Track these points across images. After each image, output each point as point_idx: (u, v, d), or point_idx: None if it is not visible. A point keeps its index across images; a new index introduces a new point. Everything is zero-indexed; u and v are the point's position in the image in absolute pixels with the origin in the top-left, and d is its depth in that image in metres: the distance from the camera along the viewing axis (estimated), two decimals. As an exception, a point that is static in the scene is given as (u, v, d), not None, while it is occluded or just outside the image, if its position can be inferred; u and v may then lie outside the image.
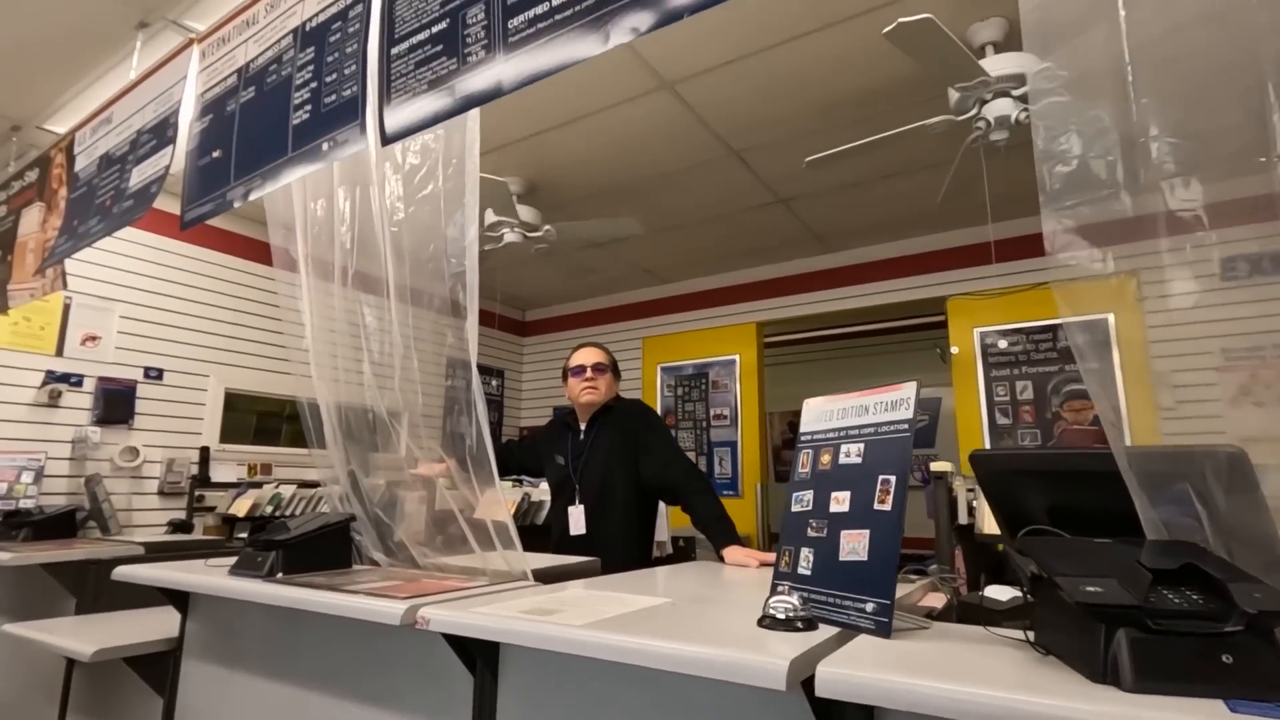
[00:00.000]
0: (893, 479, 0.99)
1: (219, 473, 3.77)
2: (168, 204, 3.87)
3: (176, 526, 3.15)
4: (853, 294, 4.52)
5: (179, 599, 1.83)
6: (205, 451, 3.72)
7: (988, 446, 3.80)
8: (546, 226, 3.46)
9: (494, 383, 5.71)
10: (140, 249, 3.57)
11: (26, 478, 2.94)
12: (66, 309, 3.26)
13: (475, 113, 1.48)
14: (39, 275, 2.62)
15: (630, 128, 3.08)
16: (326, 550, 1.68)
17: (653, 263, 4.81)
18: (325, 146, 1.55)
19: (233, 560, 1.65)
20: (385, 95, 1.44)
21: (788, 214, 3.97)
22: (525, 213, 3.52)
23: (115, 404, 3.35)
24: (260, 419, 4.24)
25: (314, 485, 4.03)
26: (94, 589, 2.25)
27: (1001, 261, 3.92)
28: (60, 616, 2.19)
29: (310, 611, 1.34)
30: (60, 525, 2.75)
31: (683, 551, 3.66)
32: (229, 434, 3.93)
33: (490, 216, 3.45)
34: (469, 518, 1.74)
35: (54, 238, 2.57)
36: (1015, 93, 2.44)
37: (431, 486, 2.00)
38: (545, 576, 1.55)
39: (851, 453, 1.08)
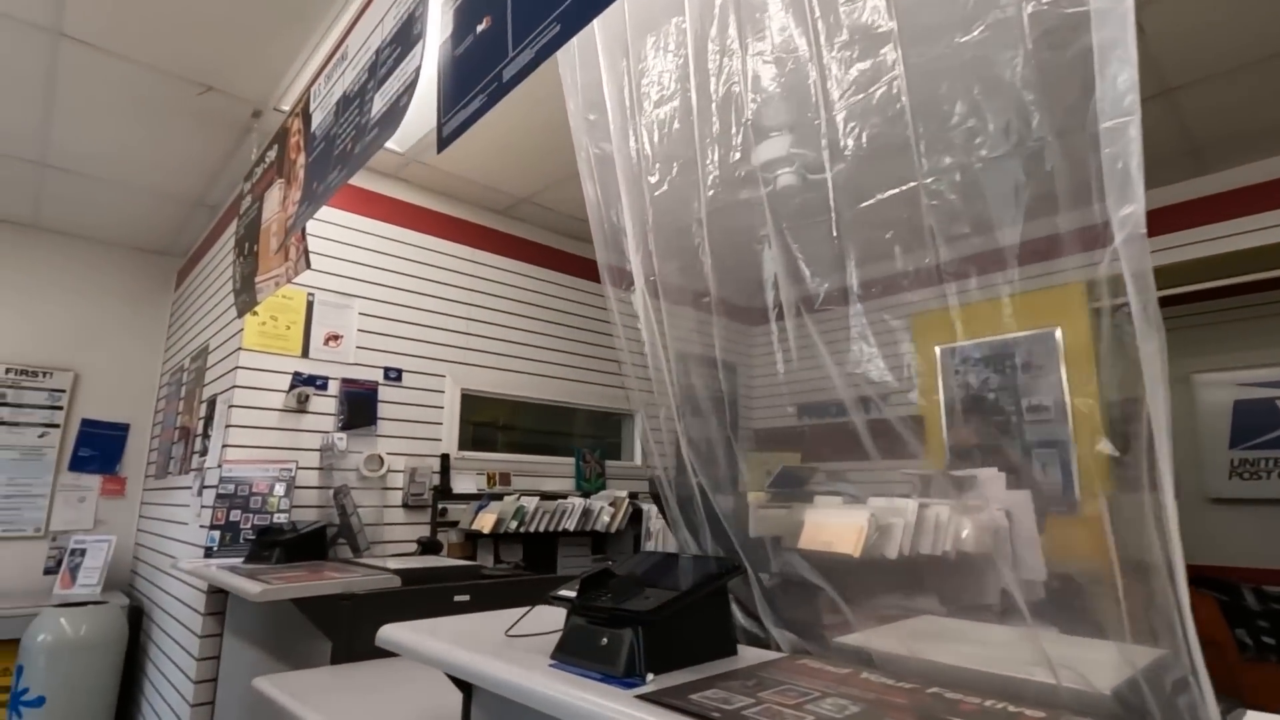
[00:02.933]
0: None
1: (459, 483, 3.40)
2: (401, 191, 3.63)
3: (425, 546, 2.75)
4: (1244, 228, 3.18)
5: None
6: (446, 460, 3.36)
7: None
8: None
9: (723, 379, 5.00)
10: (372, 239, 3.30)
11: (279, 489, 2.68)
12: (310, 306, 3.03)
13: None
14: (282, 256, 2.30)
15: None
16: (703, 626, 0.98)
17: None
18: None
19: (521, 611, 1.02)
20: None
21: (1167, 113, 2.79)
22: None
23: (359, 408, 3.07)
24: (488, 425, 3.86)
25: (557, 497, 3.54)
26: (348, 629, 1.80)
27: None
28: (315, 667, 1.75)
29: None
30: (311, 544, 2.42)
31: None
32: (465, 440, 3.57)
33: (768, 150, 2.71)
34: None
35: (294, 212, 2.22)
36: None
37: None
38: None
39: None
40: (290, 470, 2.73)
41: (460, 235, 3.65)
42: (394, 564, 2.17)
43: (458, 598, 2.01)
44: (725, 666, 0.91)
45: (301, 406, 2.91)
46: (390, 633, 1.14)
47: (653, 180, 1.41)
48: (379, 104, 1.65)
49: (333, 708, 1.34)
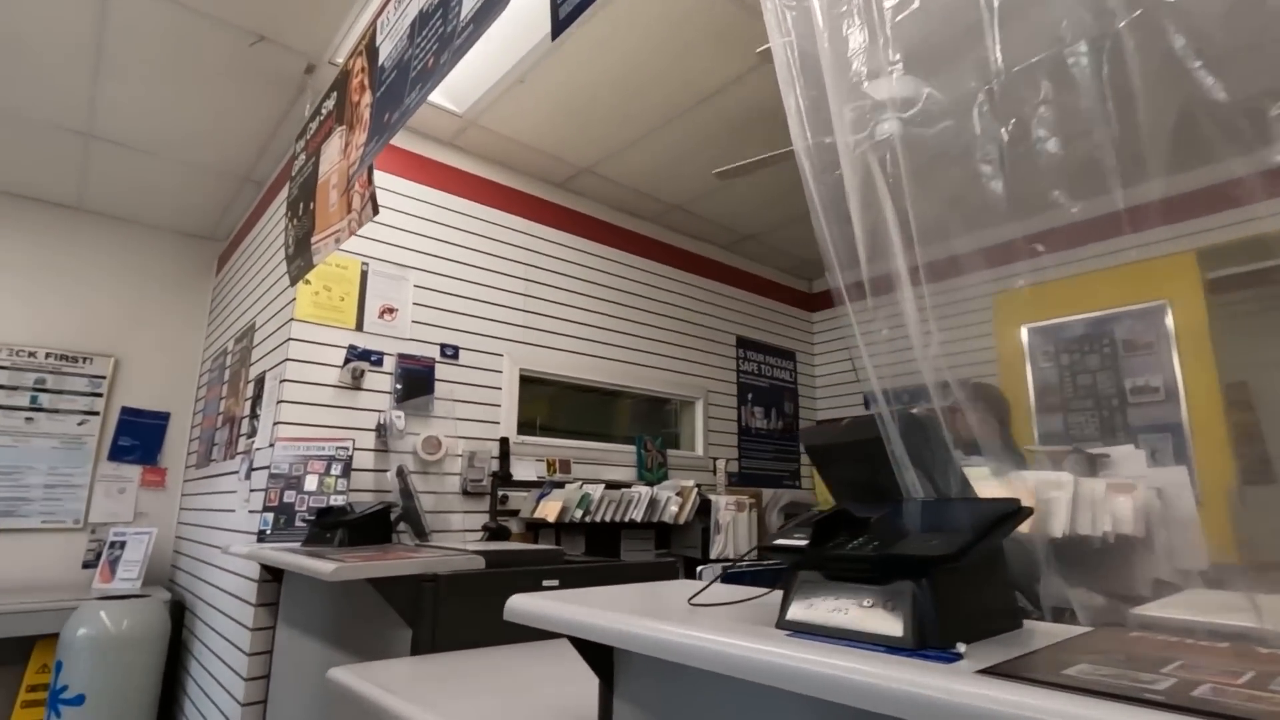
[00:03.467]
0: None
1: (519, 469, 3.16)
2: (457, 159, 3.28)
3: (493, 533, 2.51)
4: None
5: (597, 654, 0.99)
6: (505, 444, 3.13)
7: None
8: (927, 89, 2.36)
9: (787, 367, 4.72)
10: (428, 208, 3.10)
11: (336, 469, 2.46)
12: (364, 276, 2.83)
13: None
14: (343, 207, 2.09)
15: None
16: (993, 586, 0.72)
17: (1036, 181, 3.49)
18: None
19: (691, 582, 0.77)
20: None
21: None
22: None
23: (416, 386, 2.85)
24: (554, 406, 3.63)
25: (621, 486, 3.29)
26: (432, 614, 1.56)
27: None
28: (395, 657, 1.51)
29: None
30: (375, 527, 2.20)
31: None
32: (525, 424, 3.34)
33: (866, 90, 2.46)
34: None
35: (358, 155, 2.01)
36: None
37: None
38: None
39: None
40: (347, 449, 2.52)
41: (518, 207, 3.44)
42: (471, 547, 1.93)
43: (546, 582, 1.76)
44: (1024, 641, 0.65)
45: (357, 382, 2.70)
46: (526, 604, 0.89)
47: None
48: (470, 3, 1.43)
49: (436, 701, 1.10)
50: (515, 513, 3.06)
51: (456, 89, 2.84)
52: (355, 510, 2.31)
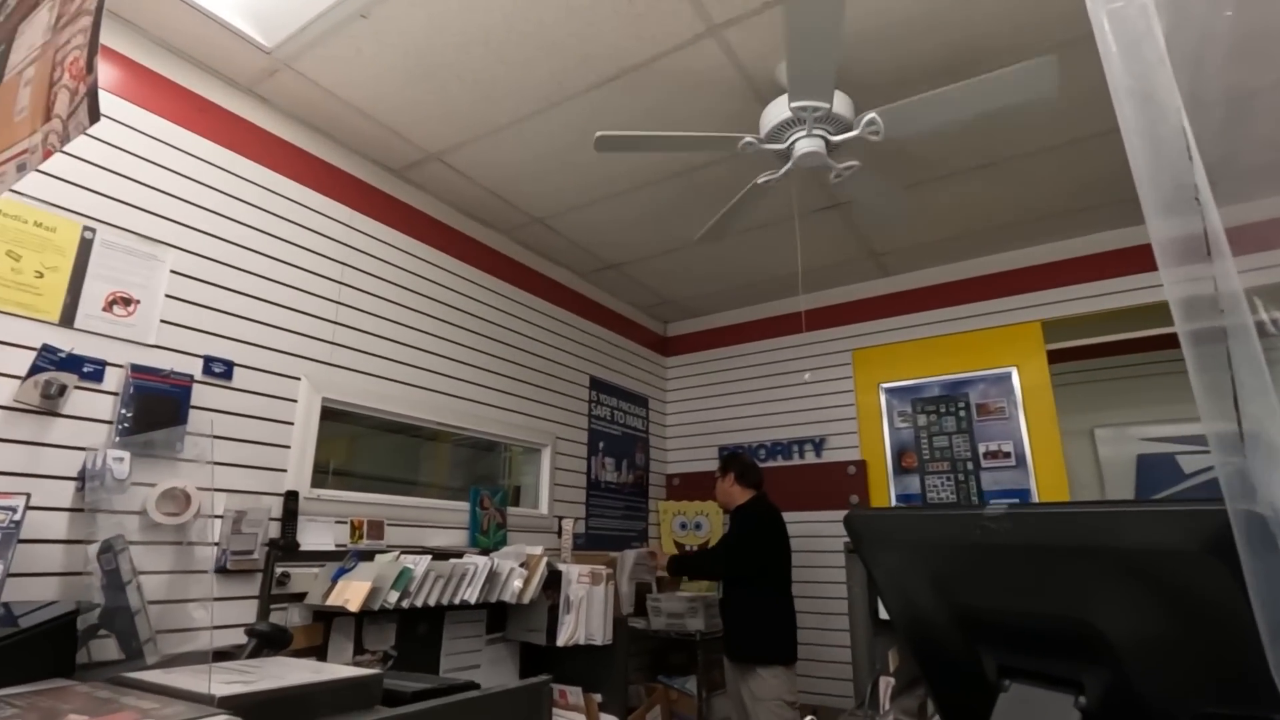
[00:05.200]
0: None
1: (310, 534, 2.33)
2: (258, 112, 2.21)
3: (265, 638, 1.67)
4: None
5: None
6: (293, 500, 2.28)
7: None
8: (868, 115, 2.10)
9: (640, 414, 4.28)
10: (207, 170, 2.24)
11: (-16, 544, 1.50)
12: (85, 245, 1.90)
13: None
14: (41, 113, 1.27)
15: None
16: None
17: (928, 231, 3.43)
18: None
19: None
20: None
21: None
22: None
23: (157, 414, 1.95)
24: (357, 450, 2.83)
25: (452, 554, 2.58)
26: None
27: None
28: None
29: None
30: (46, 648, 1.31)
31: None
32: (320, 471, 2.51)
33: (770, 117, 2.11)
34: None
35: (84, 27, 1.24)
36: None
37: None
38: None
39: None
40: (15, 509, 1.57)
41: (338, 190, 2.66)
42: (219, 683, 1.15)
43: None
44: None
45: (50, 404, 1.75)
46: None
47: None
48: None
49: None
50: (300, 597, 2.21)
51: (266, 13, 2.08)
52: (14, 617, 1.39)
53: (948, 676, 0.64)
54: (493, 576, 2.55)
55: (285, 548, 2.20)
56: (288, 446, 2.33)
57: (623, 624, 2.90)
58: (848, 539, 3.27)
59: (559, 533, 3.38)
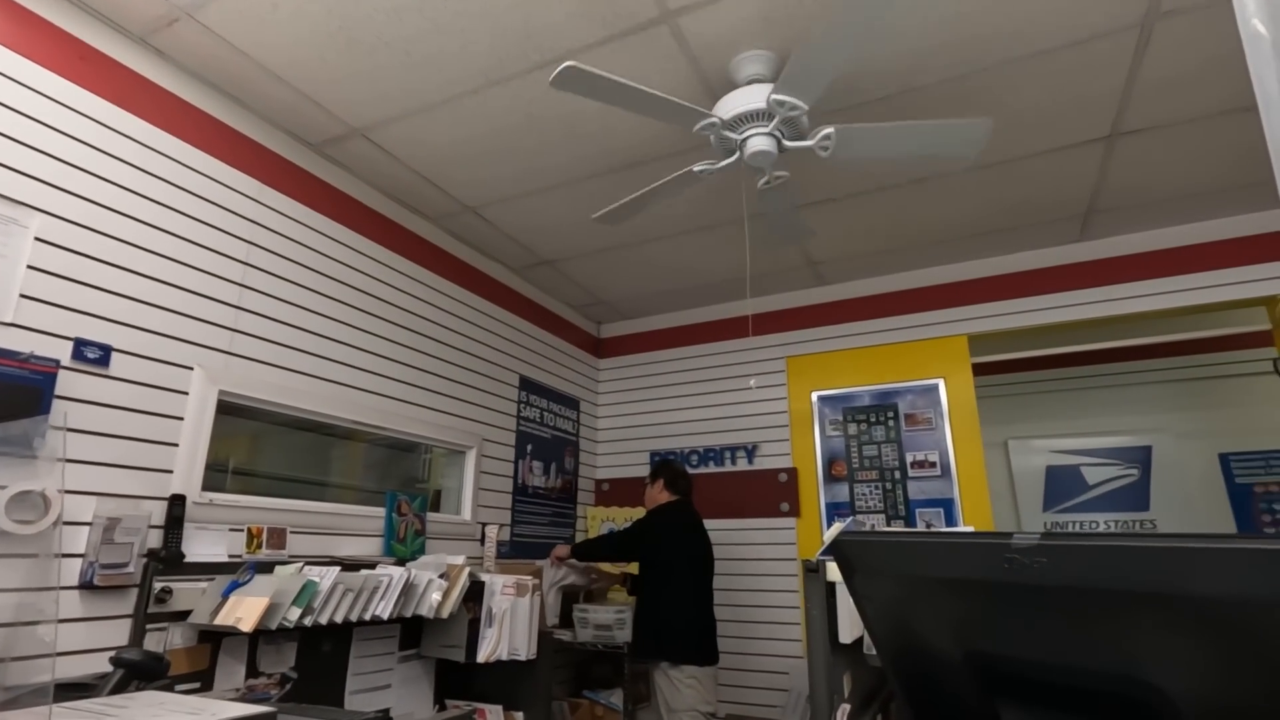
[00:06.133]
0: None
1: (198, 544, 2.07)
2: (152, 66, 2.09)
3: (134, 669, 1.43)
4: (1119, 294, 3.30)
5: None
6: (179, 505, 2.02)
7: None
8: (826, 130, 2.06)
9: (570, 417, 4.14)
10: (88, 126, 1.96)
11: None
12: (-76, 202, 1.61)
13: None
14: None
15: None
16: None
17: (855, 244, 3.43)
18: None
19: None
20: None
21: (1100, 162, 2.73)
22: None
23: (9, 404, 1.67)
24: (257, 450, 2.57)
25: (364, 564, 2.37)
26: None
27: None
28: None
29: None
30: None
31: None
32: (217, 474, 2.25)
33: (737, 102, 2.04)
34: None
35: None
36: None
37: None
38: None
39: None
40: None
41: (246, 160, 2.40)
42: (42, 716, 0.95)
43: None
44: None
45: None
46: None
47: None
48: None
49: None
50: (184, 615, 1.95)
51: (164, -49, 1.83)
52: None
53: (951, 726, 0.56)
54: (409, 589, 2.36)
55: (167, 559, 1.94)
56: (175, 445, 2.06)
57: (547, 637, 2.76)
58: (792, 549, 3.23)
59: (483, 540, 3.19)
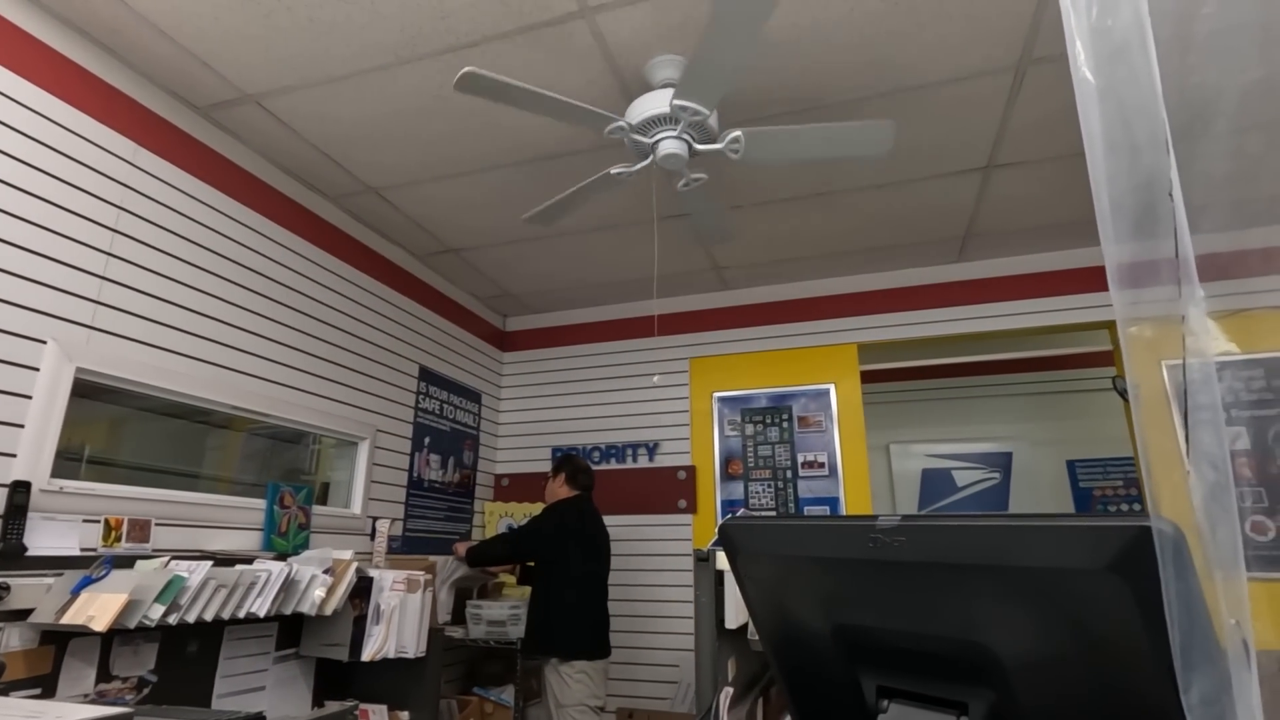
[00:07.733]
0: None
1: (44, 535, 1.87)
2: (25, 13, 1.93)
3: (-41, 673, 1.28)
4: (989, 313, 3.62)
5: None
6: (22, 492, 1.82)
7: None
8: (734, 133, 2.14)
9: (472, 410, 4.05)
10: (-75, 64, 1.73)
11: None
12: None
13: None
14: None
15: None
16: None
17: (757, 252, 3.56)
18: None
19: None
20: None
21: (978, 191, 2.98)
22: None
23: None
24: (120, 435, 2.36)
25: (240, 559, 2.23)
26: None
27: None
28: None
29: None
30: None
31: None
32: (71, 462, 2.04)
33: (644, 107, 2.07)
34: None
35: None
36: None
37: None
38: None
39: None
40: None
41: (118, 118, 2.20)
42: None
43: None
44: None
45: None
46: None
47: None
48: None
49: None
50: (25, 614, 1.76)
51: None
52: None
53: (819, 696, 0.60)
54: (290, 585, 2.23)
55: (6, 552, 1.75)
56: (21, 426, 1.86)
57: (438, 634, 2.69)
58: (688, 545, 3.31)
59: (373, 535, 3.07)
